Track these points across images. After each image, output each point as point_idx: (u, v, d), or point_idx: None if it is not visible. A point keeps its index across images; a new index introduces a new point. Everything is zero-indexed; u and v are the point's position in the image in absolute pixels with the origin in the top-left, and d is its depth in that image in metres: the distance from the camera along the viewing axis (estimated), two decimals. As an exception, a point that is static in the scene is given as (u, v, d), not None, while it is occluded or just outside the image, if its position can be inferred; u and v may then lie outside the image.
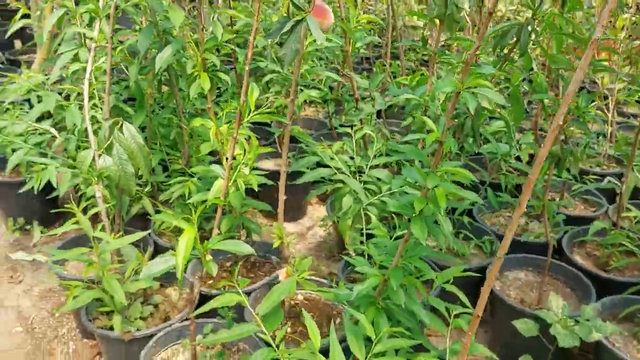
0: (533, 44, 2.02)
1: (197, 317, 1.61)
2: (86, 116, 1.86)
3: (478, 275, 1.73)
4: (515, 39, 2.00)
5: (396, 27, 3.56)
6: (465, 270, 1.58)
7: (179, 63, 2.17)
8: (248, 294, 1.99)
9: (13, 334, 2.22)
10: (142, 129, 2.39)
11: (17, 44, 4.59)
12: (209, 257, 1.48)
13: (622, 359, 1.79)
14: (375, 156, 2.14)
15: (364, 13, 2.87)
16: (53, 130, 2.13)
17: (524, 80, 2.27)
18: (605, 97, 3.47)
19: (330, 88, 3.00)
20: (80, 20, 2.04)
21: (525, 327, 1.89)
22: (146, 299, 2.01)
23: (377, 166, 2.18)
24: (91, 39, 1.94)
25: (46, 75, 2.61)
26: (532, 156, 2.87)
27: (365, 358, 1.36)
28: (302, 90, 2.63)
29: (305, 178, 2.11)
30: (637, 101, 3.49)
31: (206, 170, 2.00)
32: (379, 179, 2.08)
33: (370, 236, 1.90)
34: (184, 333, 1.86)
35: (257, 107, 1.54)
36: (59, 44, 2.08)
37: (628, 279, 2.25)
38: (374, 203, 1.99)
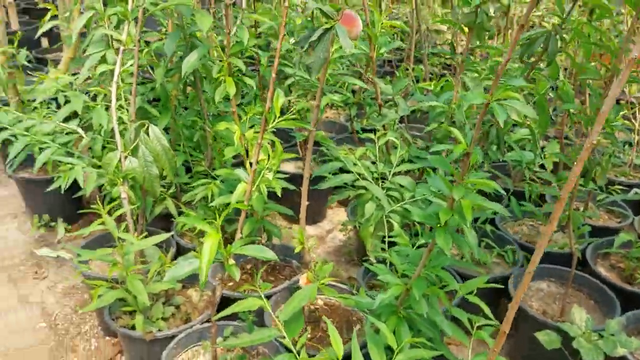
0: (559, 51, 2.00)
1: (218, 319, 1.62)
2: (114, 118, 1.88)
3: (500, 286, 1.72)
4: (542, 47, 1.98)
5: (420, 31, 3.54)
6: (488, 281, 1.57)
7: (204, 66, 2.18)
8: (268, 297, 2.00)
9: (37, 329, 2.26)
10: (166, 130, 2.41)
11: (44, 42, 4.68)
12: (231, 261, 1.49)
13: (647, 376, 1.76)
14: (398, 163, 2.13)
15: (388, 18, 2.86)
16: (80, 131, 2.17)
17: (550, 87, 2.24)
18: (632, 105, 3.41)
19: (353, 91, 3.00)
20: (108, 22, 2.06)
21: (547, 339, 1.86)
22: (168, 299, 2.03)
23: (399, 173, 2.17)
24: (119, 41, 1.97)
25: (73, 75, 2.65)
26: (556, 164, 2.83)
27: (387, 368, 1.36)
28: (324, 94, 2.63)
29: (328, 183, 2.11)
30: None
31: (229, 173, 2.01)
32: (401, 186, 2.07)
33: (392, 244, 1.90)
34: (204, 335, 1.87)
35: (281, 111, 1.54)
36: (87, 45, 2.11)
37: (654, 293, 2.21)
38: (397, 210, 1.98)
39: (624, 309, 2.05)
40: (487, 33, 1.87)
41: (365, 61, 2.58)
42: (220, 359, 1.81)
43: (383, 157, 2.25)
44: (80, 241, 2.70)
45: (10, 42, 2.79)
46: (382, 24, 2.28)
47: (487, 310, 1.55)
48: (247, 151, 1.93)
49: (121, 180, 1.87)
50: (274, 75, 1.47)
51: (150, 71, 2.47)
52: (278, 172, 2.20)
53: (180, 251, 2.33)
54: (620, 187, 2.94)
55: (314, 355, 1.59)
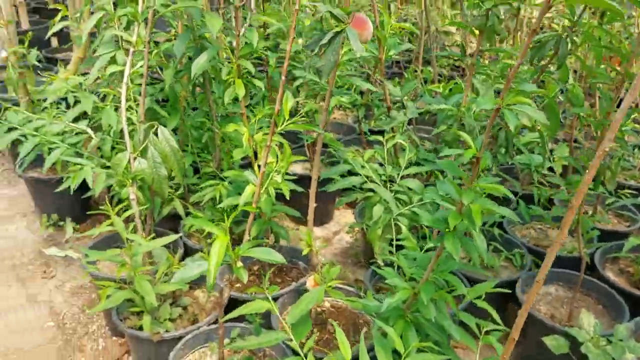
0: (569, 54, 1.99)
1: (225, 320, 1.62)
2: (123, 120, 1.89)
3: (508, 291, 1.71)
4: (552, 50, 1.97)
5: (429, 32, 3.53)
6: (496, 286, 1.56)
7: (213, 68, 2.19)
8: (275, 299, 2.00)
9: (45, 328, 2.27)
10: (174, 131, 2.42)
11: (54, 41, 4.70)
12: (239, 263, 1.49)
13: (656, 382, 1.75)
14: (406, 166, 2.13)
15: (397, 21, 2.86)
16: (90, 131, 2.18)
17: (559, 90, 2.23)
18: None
19: (361, 93, 3.00)
20: (118, 23, 2.07)
21: (555, 344, 1.85)
22: (175, 300, 2.04)
23: (408, 176, 2.17)
24: (129, 42, 1.97)
25: (83, 75, 2.67)
26: (565, 167, 2.82)
27: (394, 372, 1.36)
28: (333, 95, 2.63)
29: (336, 186, 2.11)
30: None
31: (238, 174, 2.02)
32: (410, 189, 2.06)
33: (399, 247, 1.89)
34: (211, 336, 1.88)
35: (290, 112, 1.54)
36: (98, 46, 2.11)
37: (663, 298, 2.20)
38: (405, 213, 1.98)
39: (633, 314, 2.04)
40: (498, 36, 1.86)
41: (374, 63, 2.58)
42: (227, 361, 1.81)
43: (391, 160, 2.25)
44: (88, 240, 2.71)
45: (21, 42, 2.81)
46: (391, 26, 2.28)
47: (495, 315, 1.54)
48: (255, 153, 1.93)
49: (130, 181, 1.88)
50: (283, 78, 1.47)
51: (159, 72, 2.48)
52: (286, 173, 2.21)
53: (188, 252, 2.34)
54: (630, 190, 2.92)
55: (321, 358, 1.59)
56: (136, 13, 1.93)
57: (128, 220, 1.92)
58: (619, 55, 1.97)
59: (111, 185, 2.19)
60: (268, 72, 2.73)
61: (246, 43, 1.95)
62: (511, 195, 1.32)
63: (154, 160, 1.87)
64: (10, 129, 2.20)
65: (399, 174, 2.13)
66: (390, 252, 1.91)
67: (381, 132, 2.95)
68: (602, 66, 2.25)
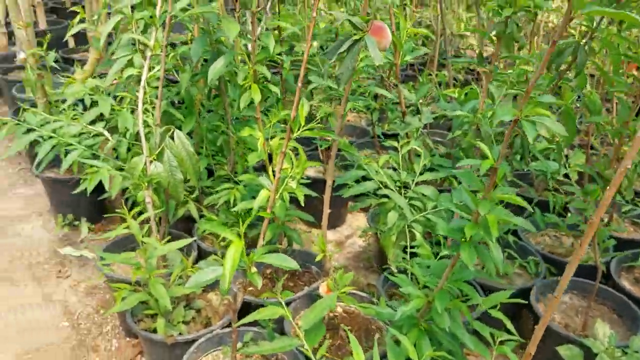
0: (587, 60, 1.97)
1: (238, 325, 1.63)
2: (140, 123, 1.90)
3: (524, 302, 1.70)
4: (571, 57, 1.95)
5: (444, 35, 3.52)
6: (511, 295, 1.55)
7: (229, 72, 2.20)
8: (288, 303, 2.01)
9: (60, 328, 2.30)
10: (189, 134, 2.43)
11: (71, 42, 4.74)
12: (253, 269, 1.50)
13: (672, 395, 1.72)
14: (421, 172, 2.12)
15: (413, 25, 2.85)
16: (106, 133, 2.20)
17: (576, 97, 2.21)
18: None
19: (375, 96, 3.00)
20: (136, 26, 2.09)
21: (569, 353, 1.84)
22: (188, 303, 2.05)
23: (423, 182, 2.16)
24: (147, 46, 1.99)
25: (99, 76, 2.69)
26: (581, 174, 2.79)
27: (408, 381, 1.35)
28: (347, 100, 2.63)
29: (350, 191, 2.11)
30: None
31: (252, 178, 2.02)
32: (424, 195, 2.06)
33: (413, 254, 1.89)
34: (224, 340, 1.89)
35: (305, 117, 1.55)
36: (116, 49, 2.13)
37: (680, 309, 2.17)
38: (419, 220, 1.97)
39: (649, 325, 2.02)
40: (517, 43, 1.85)
41: (389, 67, 2.57)
42: (240, 365, 1.82)
43: (405, 165, 2.24)
44: (102, 240, 2.74)
45: (39, 43, 2.83)
46: (407, 30, 2.27)
47: (510, 325, 1.53)
48: (270, 156, 1.93)
49: (146, 184, 1.89)
50: (300, 84, 1.47)
51: (175, 74, 2.50)
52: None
53: (202, 255, 2.35)
54: (647, 198, 2.89)
55: (334, 365, 1.60)
56: (154, 17, 1.95)
57: (143, 222, 1.94)
58: (638, 63, 1.95)
59: (127, 187, 2.21)
60: (282, 75, 2.73)
61: (262, 48, 1.96)
62: (528, 207, 1.31)
63: (170, 164, 1.88)
64: (28, 130, 2.23)
65: (413, 180, 2.13)
66: (404, 258, 1.90)
67: (395, 136, 2.94)
68: (620, 71, 2.23)
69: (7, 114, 3.71)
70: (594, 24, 1.90)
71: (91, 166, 2.14)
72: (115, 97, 2.39)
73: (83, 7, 2.89)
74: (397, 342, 1.47)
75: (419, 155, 2.20)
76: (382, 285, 2.16)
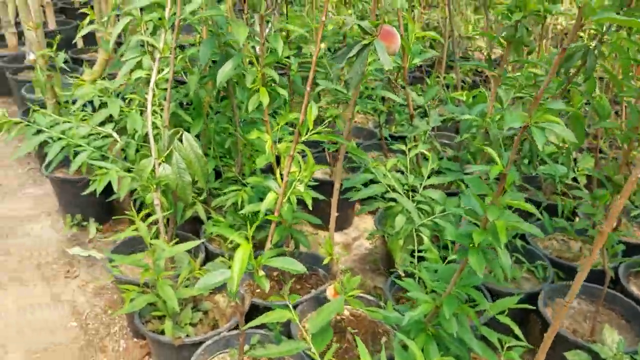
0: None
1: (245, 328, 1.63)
2: (149, 125, 1.91)
3: (532, 307, 1.69)
4: (580, 61, 1.95)
5: (452, 37, 3.51)
6: (519, 301, 1.55)
7: (237, 74, 2.20)
8: (295, 306, 2.01)
9: (68, 328, 2.31)
10: (197, 135, 2.44)
11: (80, 42, 4.77)
12: (261, 272, 1.50)
13: (681, 402, 1.71)
14: (429, 175, 2.12)
15: (421, 29, 2.85)
16: (115, 135, 2.21)
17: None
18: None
19: (382, 98, 2.99)
20: (145, 28, 2.10)
21: (577, 359, 1.83)
22: (196, 304, 2.06)
23: (431, 186, 2.16)
24: (156, 48, 2.00)
25: (107, 77, 2.70)
26: (589, 177, 2.78)
27: (415, 386, 1.35)
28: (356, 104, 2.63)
29: (358, 195, 2.11)
30: None
31: (259, 180, 2.03)
32: (432, 199, 2.05)
33: (421, 258, 1.89)
34: (232, 342, 1.89)
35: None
36: (125, 51, 2.14)
37: (689, 315, 2.15)
38: (427, 224, 1.97)
39: (658, 331, 2.01)
40: (526, 47, 1.84)
41: (397, 69, 2.57)
42: (247, 367, 1.82)
43: (413, 169, 2.24)
44: (110, 240, 2.75)
45: (49, 44, 2.85)
46: (415, 34, 2.27)
47: (517, 331, 1.53)
48: (277, 158, 1.94)
49: (154, 186, 1.90)
50: (308, 89, 1.48)
51: (183, 75, 2.50)
52: (307, 181, 2.21)
53: (209, 256, 2.36)
54: (656, 203, 2.87)
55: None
56: (163, 19, 1.95)
57: (151, 223, 1.94)
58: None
59: (135, 189, 2.22)
60: (290, 77, 2.73)
61: (270, 51, 1.96)
62: (537, 213, 1.31)
63: (178, 167, 1.89)
64: (38, 131, 2.24)
65: (421, 184, 2.13)
66: (412, 262, 1.90)
67: (402, 138, 2.93)
68: (630, 74, 2.21)
69: (17, 113, 3.73)
70: (604, 28, 1.89)
71: (100, 167, 2.15)
72: (124, 99, 2.40)
73: (92, 7, 2.91)
74: (405, 347, 1.47)
75: (426, 159, 2.20)
76: (389, 289, 2.16)
